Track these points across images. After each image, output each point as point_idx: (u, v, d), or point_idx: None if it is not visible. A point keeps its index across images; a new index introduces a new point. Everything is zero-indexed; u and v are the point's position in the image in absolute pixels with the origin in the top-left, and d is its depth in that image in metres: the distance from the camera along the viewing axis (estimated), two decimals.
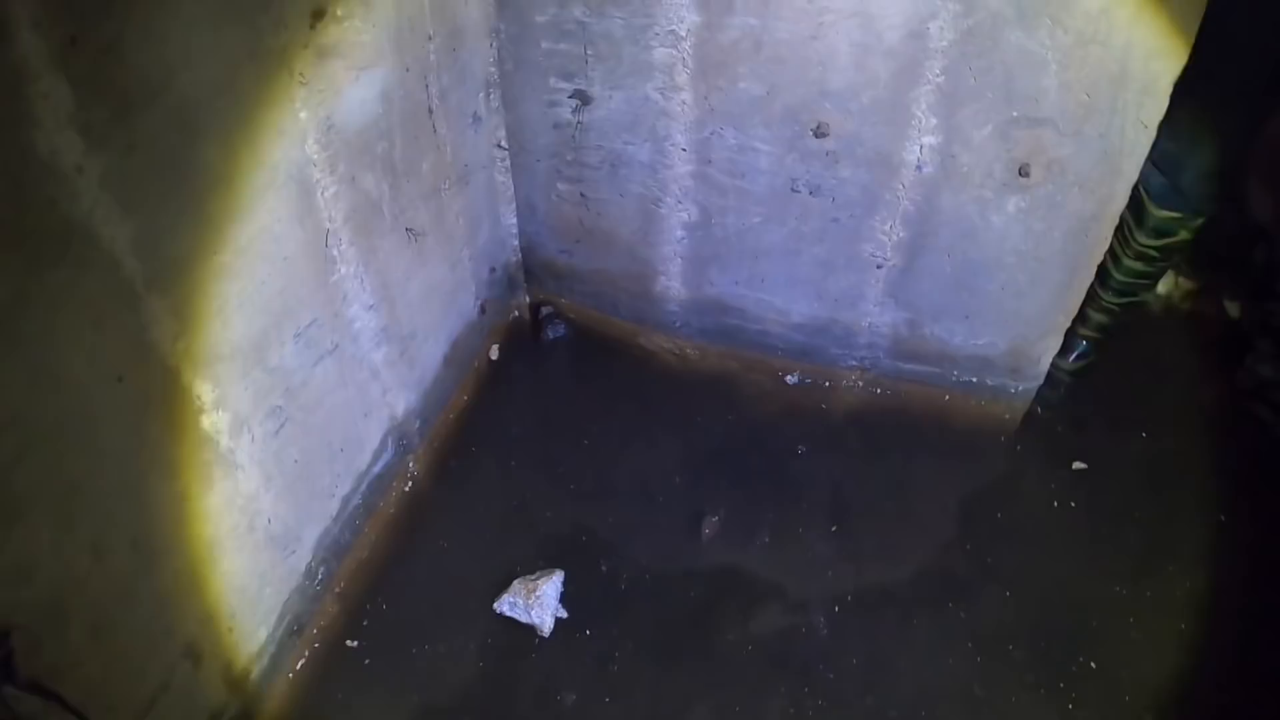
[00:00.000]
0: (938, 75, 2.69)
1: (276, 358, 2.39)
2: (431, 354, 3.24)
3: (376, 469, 2.98)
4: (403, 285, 2.88)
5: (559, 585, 2.89)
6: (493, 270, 3.64)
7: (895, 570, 3.04)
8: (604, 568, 3.05)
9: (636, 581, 3.01)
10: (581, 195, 3.41)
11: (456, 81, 2.95)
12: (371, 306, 2.73)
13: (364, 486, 2.92)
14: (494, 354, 3.76)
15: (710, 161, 3.14)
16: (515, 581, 2.90)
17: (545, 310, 3.83)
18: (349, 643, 2.75)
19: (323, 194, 2.42)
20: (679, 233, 3.40)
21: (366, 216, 2.54)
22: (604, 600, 2.93)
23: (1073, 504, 3.22)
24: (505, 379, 3.73)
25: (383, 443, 3.01)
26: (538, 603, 2.76)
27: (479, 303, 3.56)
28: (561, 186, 3.45)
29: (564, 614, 2.86)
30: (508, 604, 2.82)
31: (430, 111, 2.96)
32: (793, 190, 3.11)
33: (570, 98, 3.15)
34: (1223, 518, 3.13)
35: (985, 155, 2.78)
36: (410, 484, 3.22)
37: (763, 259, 3.33)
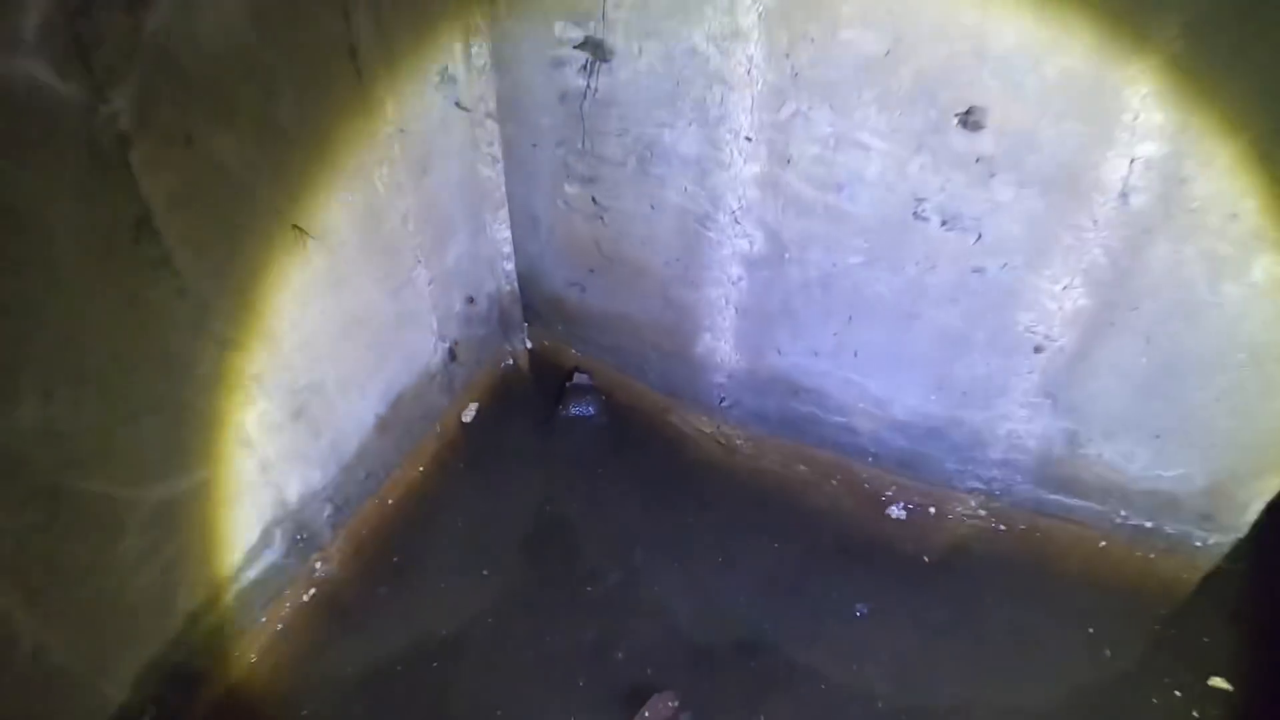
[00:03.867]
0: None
1: None
2: (352, 415, 2.52)
3: (252, 574, 2.32)
4: (291, 310, 2.17)
5: None
6: (470, 301, 2.90)
7: None
8: None
9: None
10: (595, 202, 2.62)
11: None
12: (230, 341, 2.03)
13: (230, 598, 2.27)
14: (468, 416, 3.04)
15: (789, 160, 2.27)
16: None
17: (579, 379, 3.12)
18: None
19: None
20: (735, 269, 2.55)
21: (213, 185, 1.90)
22: None
23: None
24: (477, 453, 2.99)
25: (265, 537, 2.33)
26: None
27: (446, 345, 2.82)
28: (570, 190, 2.65)
29: None
30: None
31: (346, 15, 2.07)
32: (916, 215, 2.21)
33: (579, 47, 2.32)
34: None
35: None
36: (313, 591, 2.54)
37: (860, 321, 2.47)
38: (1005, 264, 2.18)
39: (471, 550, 2.70)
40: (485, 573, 2.64)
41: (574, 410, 3.05)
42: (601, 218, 2.62)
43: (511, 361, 3.19)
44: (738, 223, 2.43)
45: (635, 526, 2.77)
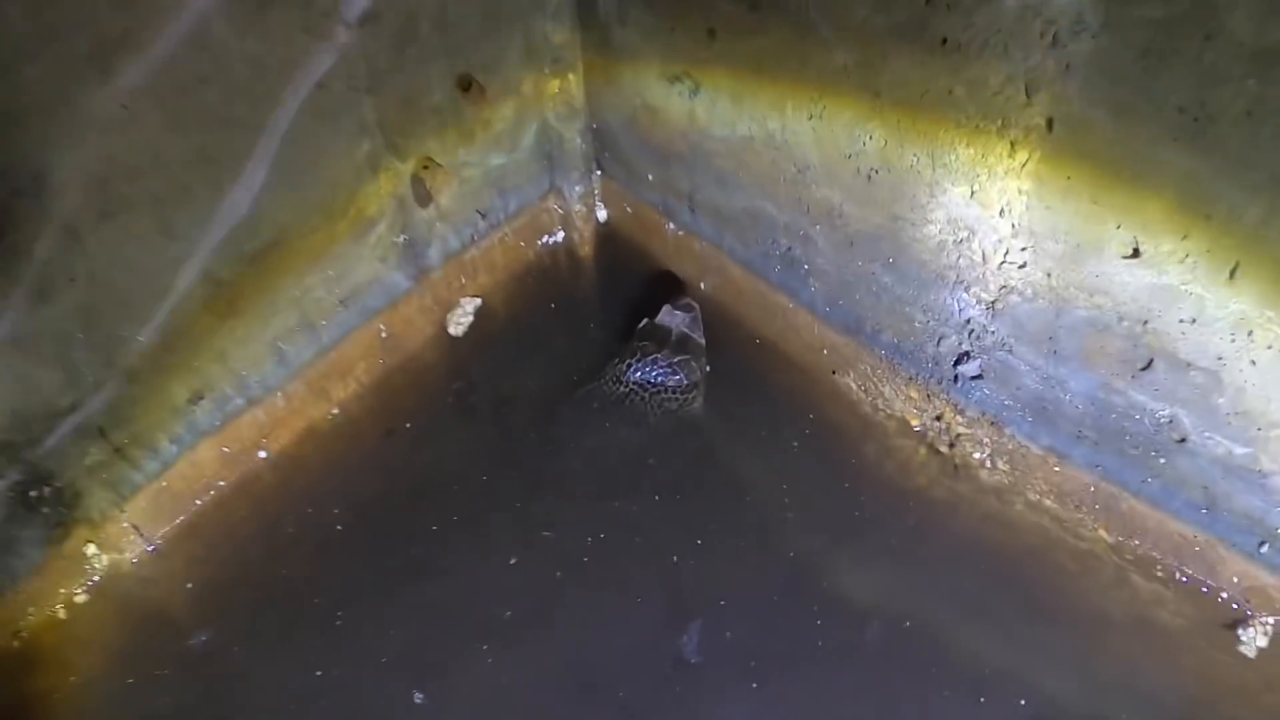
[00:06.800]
0: None
1: None
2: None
3: None
4: None
5: None
6: (475, 87, 1.53)
7: None
8: None
9: None
10: None
11: None
12: None
13: None
14: (457, 325, 1.74)
15: None
16: None
17: (668, 318, 1.67)
18: None
19: None
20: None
21: None
22: None
23: None
24: (460, 413, 1.70)
25: None
26: None
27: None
28: None
29: None
30: None
31: None
32: None
33: None
34: None
35: None
36: None
37: None
38: None
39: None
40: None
41: (640, 374, 1.56)
42: None
43: (561, 234, 1.81)
44: None
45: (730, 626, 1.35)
